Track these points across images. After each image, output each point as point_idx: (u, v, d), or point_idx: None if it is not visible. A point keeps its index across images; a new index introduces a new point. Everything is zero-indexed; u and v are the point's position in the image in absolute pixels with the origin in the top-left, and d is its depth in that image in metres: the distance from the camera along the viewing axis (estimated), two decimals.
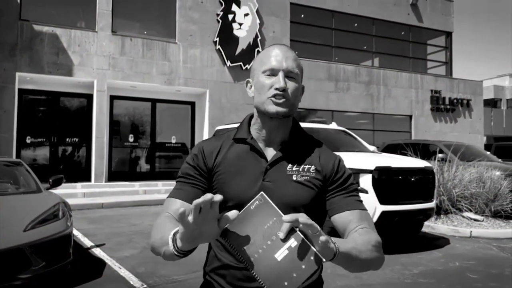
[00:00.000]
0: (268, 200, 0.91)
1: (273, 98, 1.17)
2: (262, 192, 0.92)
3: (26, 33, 10.80)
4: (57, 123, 11.85)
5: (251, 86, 1.27)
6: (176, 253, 0.97)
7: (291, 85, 1.19)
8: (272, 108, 1.17)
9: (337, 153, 5.60)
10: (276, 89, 1.16)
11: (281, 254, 0.87)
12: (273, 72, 1.18)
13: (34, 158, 11.61)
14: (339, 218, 1.19)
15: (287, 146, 1.24)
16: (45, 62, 10.91)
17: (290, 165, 1.20)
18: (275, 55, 1.19)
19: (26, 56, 10.75)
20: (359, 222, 1.16)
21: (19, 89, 10.98)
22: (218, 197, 0.86)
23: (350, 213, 1.18)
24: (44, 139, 11.74)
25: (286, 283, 0.84)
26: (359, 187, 5.42)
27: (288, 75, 1.19)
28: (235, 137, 1.27)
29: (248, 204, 0.91)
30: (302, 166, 1.21)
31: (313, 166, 1.22)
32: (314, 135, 5.80)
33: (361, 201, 1.23)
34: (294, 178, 1.18)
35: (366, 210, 1.22)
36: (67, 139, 12.02)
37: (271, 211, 0.90)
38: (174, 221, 1.11)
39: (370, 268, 1.10)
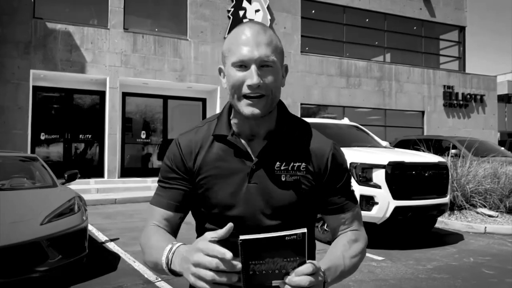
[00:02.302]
0: (305, 242, 0.87)
1: (246, 100, 1.02)
2: (306, 232, 0.86)
3: (40, 31, 10.93)
4: (71, 120, 11.99)
5: (224, 76, 1.10)
6: (173, 275, 0.97)
7: (267, 78, 1.02)
8: (247, 110, 1.03)
9: (349, 149, 5.53)
10: (249, 86, 1.01)
11: (277, 282, 0.88)
12: (243, 64, 1.01)
13: (48, 154, 11.77)
14: (331, 220, 1.17)
15: (274, 139, 1.10)
16: (58, 60, 11.04)
17: (278, 163, 1.08)
18: (245, 42, 1.02)
19: (40, 54, 10.89)
20: (350, 223, 1.16)
21: (33, 86, 11.13)
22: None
23: (343, 215, 1.15)
24: (58, 136, 11.89)
25: None
26: (370, 181, 5.40)
27: (263, 64, 1.01)
28: (215, 133, 1.12)
29: (285, 233, 0.86)
30: (292, 164, 1.09)
31: (303, 164, 1.09)
32: (326, 131, 5.72)
33: (353, 195, 1.18)
34: (283, 179, 1.08)
35: (357, 204, 1.18)
36: (80, 136, 12.16)
37: (299, 250, 0.87)
38: (161, 232, 1.09)
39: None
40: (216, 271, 0.83)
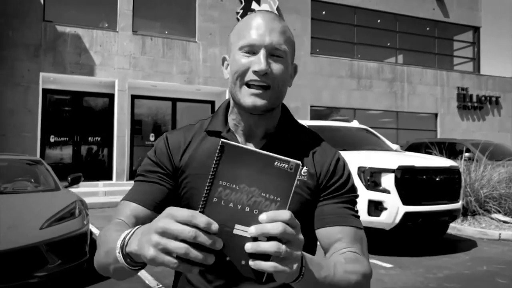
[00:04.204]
0: (296, 179, 0.64)
1: (251, 89, 0.91)
2: (300, 164, 0.65)
3: (50, 34, 11.00)
4: (80, 123, 12.04)
5: (227, 65, 1.00)
6: (127, 264, 0.73)
7: (276, 68, 0.91)
8: (249, 101, 0.91)
9: (358, 152, 5.37)
10: (255, 72, 0.89)
11: (240, 230, 0.64)
12: (252, 49, 0.91)
13: (58, 157, 11.83)
14: (326, 233, 0.92)
15: (273, 141, 0.98)
16: (67, 62, 11.09)
17: None
18: (257, 27, 0.91)
19: (50, 57, 10.95)
20: (350, 243, 0.91)
21: (43, 89, 11.20)
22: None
23: (340, 230, 0.92)
24: (67, 138, 11.95)
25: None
26: (379, 185, 5.24)
27: (273, 53, 0.91)
28: (208, 128, 1.00)
29: (275, 156, 0.64)
30: None
31: (304, 168, 0.96)
32: (335, 134, 5.52)
33: (358, 217, 0.97)
34: None
35: (362, 229, 0.97)
36: (90, 138, 12.20)
37: (285, 191, 0.64)
38: (125, 228, 0.83)
39: None
40: (190, 244, 0.61)
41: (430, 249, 5.65)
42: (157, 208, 0.94)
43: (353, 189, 1.00)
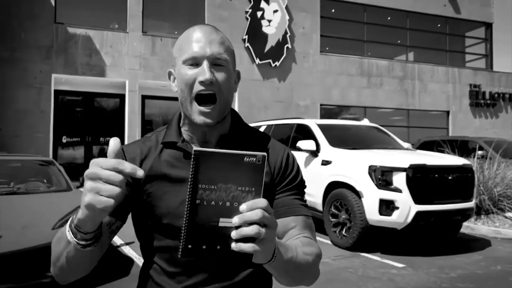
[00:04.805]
0: (264, 169, 0.73)
1: (200, 106, 0.98)
2: (266, 155, 0.74)
3: (61, 35, 11.12)
4: (91, 123, 12.17)
5: (174, 79, 1.06)
6: (77, 239, 0.81)
7: (220, 76, 0.98)
8: (199, 119, 0.99)
9: (369, 151, 5.29)
10: (201, 82, 0.96)
11: (224, 222, 0.73)
12: (195, 61, 0.98)
13: (70, 157, 11.97)
14: (281, 223, 0.99)
15: (227, 144, 1.05)
16: (79, 64, 11.21)
17: None
18: (197, 40, 0.98)
19: (61, 58, 11.08)
20: (302, 230, 1.03)
21: (55, 90, 11.33)
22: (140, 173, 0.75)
23: (293, 219, 1.03)
24: (79, 139, 12.09)
25: (204, 247, 0.73)
26: (391, 184, 5.19)
27: (215, 62, 0.98)
28: (164, 140, 1.06)
29: (243, 153, 0.73)
30: None
31: None
32: (345, 132, 5.48)
33: (306, 206, 1.09)
34: None
35: (311, 216, 1.07)
36: (101, 139, 12.32)
37: (257, 181, 0.73)
38: None
39: (301, 284, 0.97)
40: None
41: (443, 249, 5.58)
42: (111, 212, 0.98)
43: (303, 181, 1.11)
